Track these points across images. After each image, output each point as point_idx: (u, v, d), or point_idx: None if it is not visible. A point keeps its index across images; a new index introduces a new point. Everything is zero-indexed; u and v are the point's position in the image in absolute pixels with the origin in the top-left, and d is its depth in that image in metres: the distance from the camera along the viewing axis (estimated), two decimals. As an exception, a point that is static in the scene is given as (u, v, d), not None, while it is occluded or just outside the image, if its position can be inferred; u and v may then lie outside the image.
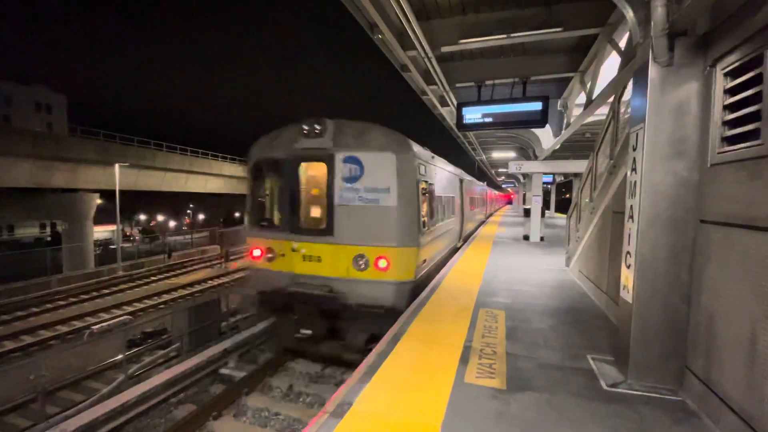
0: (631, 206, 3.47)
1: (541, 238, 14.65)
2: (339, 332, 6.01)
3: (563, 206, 39.17)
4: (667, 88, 3.22)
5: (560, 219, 28.93)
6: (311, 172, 6.27)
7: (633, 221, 3.43)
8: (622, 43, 5.01)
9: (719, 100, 2.91)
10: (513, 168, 16.08)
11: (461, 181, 12.15)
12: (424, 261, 6.64)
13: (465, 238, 13.95)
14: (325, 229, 5.84)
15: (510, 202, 63.45)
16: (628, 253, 3.50)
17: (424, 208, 6.52)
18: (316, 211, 6.20)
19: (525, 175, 31.00)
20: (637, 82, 3.55)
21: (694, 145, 3.17)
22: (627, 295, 3.48)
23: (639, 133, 3.36)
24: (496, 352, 4.01)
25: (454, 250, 11.18)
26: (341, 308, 5.73)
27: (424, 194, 6.50)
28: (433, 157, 7.67)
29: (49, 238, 41.25)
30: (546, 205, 21.35)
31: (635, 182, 3.42)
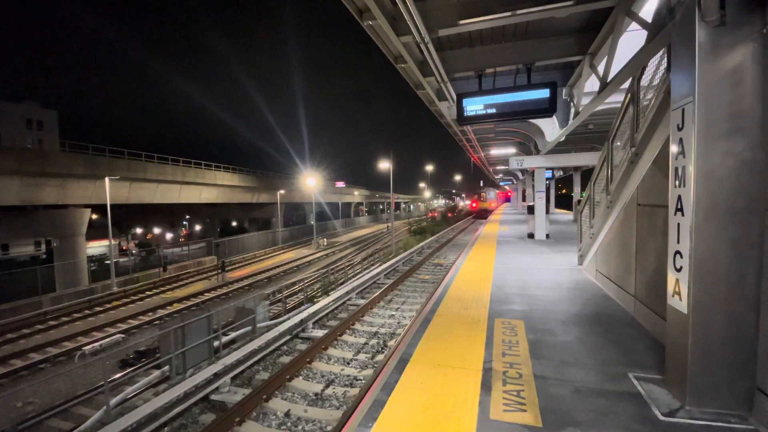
0: (679, 196, 2.90)
1: (547, 236, 14.31)
2: (485, 216, 39.71)
3: (561, 202, 44.77)
4: (720, 52, 2.66)
5: (561, 215, 28.41)
6: (483, 194, 51.87)
7: (683, 215, 2.85)
8: (643, 15, 4.46)
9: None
10: (514, 164, 15.62)
11: (495, 193, 56.01)
12: (497, 206, 53.80)
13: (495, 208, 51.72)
14: (486, 200, 50.45)
15: (508, 200, 63.30)
16: (677, 253, 2.92)
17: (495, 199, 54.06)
18: (484, 197, 50.88)
19: (524, 172, 30.65)
20: (678, 50, 2.99)
21: (756, 120, 2.62)
22: (679, 303, 2.90)
23: (686, 107, 2.80)
24: (521, 374, 3.42)
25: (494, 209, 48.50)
26: (488, 212, 43.88)
27: (495, 197, 54.18)
28: (497, 191, 60.70)
29: (44, 256, 40.47)
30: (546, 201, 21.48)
31: (683, 167, 2.85)
